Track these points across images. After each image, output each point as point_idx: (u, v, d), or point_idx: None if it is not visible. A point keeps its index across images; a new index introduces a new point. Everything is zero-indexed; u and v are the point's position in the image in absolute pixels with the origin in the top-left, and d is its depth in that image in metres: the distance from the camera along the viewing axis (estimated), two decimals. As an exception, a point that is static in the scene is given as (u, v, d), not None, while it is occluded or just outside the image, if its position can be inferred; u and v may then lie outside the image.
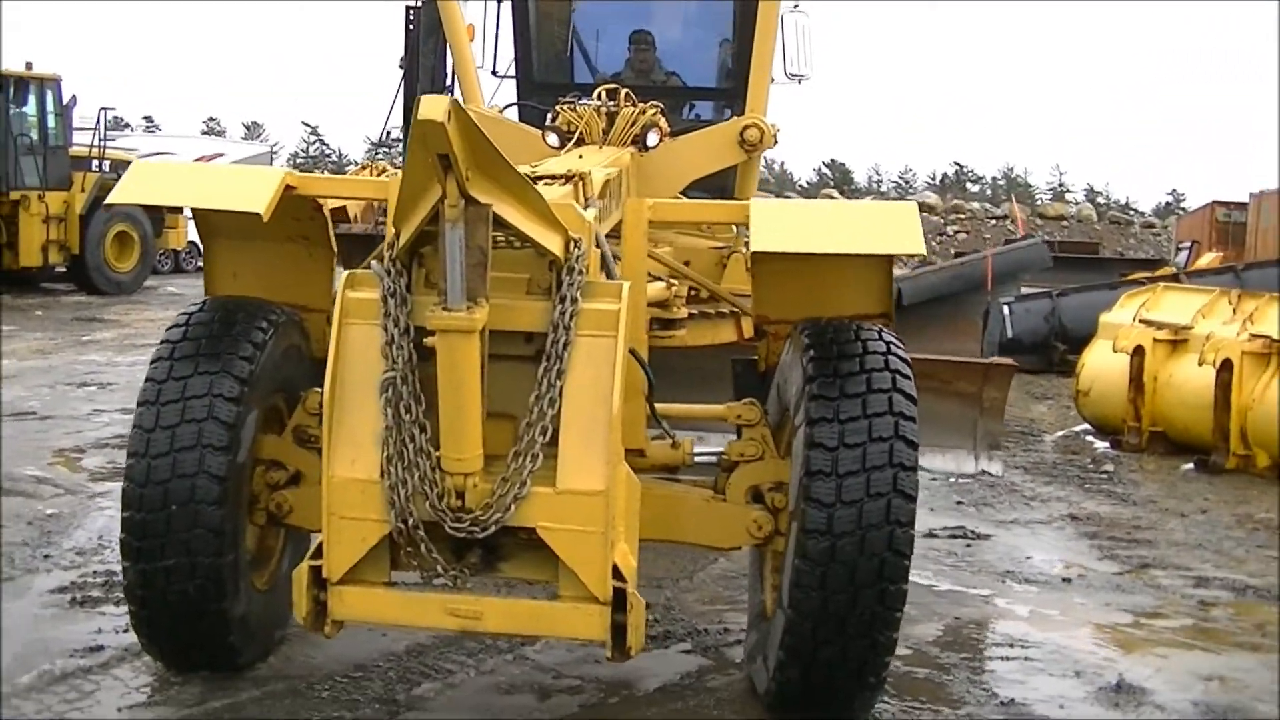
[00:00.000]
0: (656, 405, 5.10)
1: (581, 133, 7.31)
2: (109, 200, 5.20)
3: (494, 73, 8.90)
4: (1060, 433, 12.27)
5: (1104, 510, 8.98)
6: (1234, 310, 10.73)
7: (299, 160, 76.25)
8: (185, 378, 4.75)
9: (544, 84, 8.97)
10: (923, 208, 43.62)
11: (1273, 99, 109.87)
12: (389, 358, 4.12)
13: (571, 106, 7.49)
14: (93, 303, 20.92)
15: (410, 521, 4.10)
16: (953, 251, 31.47)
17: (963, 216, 46.44)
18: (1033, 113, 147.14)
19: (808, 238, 4.64)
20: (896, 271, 20.79)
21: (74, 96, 22.07)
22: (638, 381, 4.93)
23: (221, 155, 34.60)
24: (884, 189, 79.38)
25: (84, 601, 5.80)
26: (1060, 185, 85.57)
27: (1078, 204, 58.83)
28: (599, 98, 7.55)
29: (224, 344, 4.85)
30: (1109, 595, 6.83)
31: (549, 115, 7.58)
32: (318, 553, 4.23)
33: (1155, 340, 11.15)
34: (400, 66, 10.14)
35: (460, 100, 8.76)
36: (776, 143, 7.80)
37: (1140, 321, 11.57)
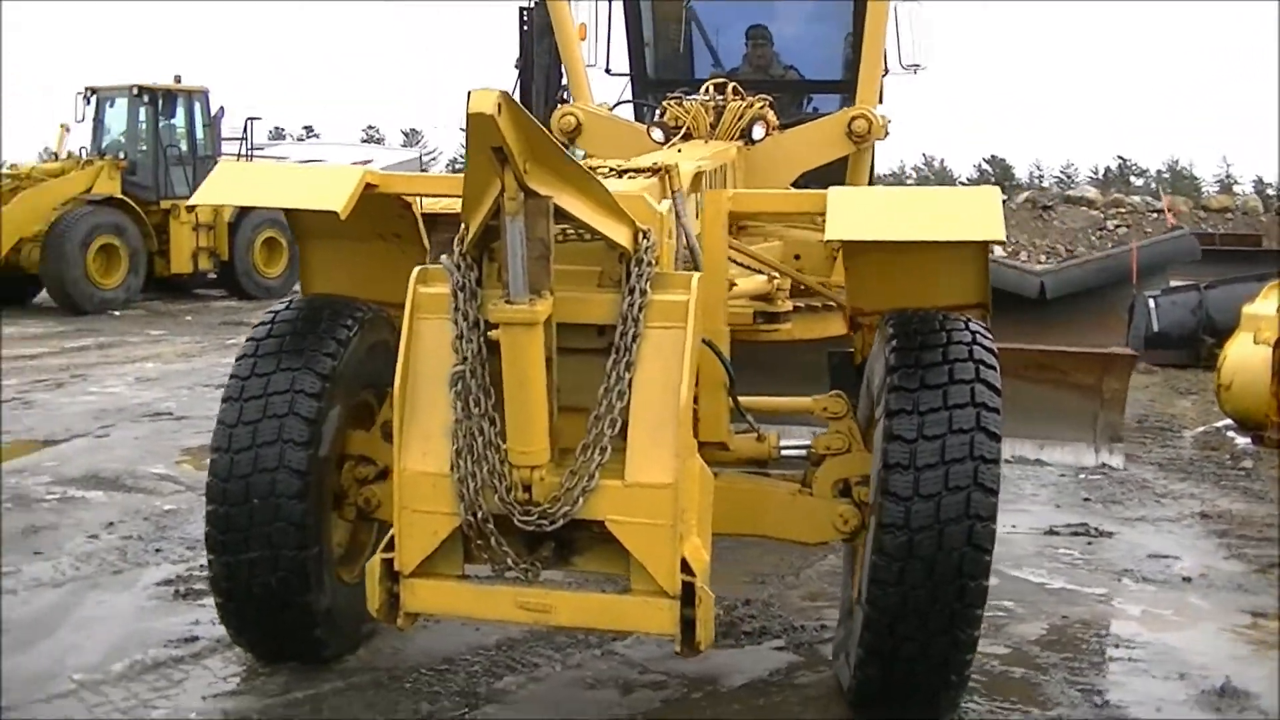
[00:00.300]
0: (743, 399, 5.04)
1: (689, 127, 7.32)
2: (191, 202, 5.30)
3: (607, 71, 8.93)
4: (1201, 428, 11.84)
5: (1237, 508, 8.62)
6: (1379, 298, 10.25)
7: (457, 165, 77.26)
8: (268, 374, 4.83)
9: (659, 81, 8.98)
10: (1081, 202, 42.57)
11: None
12: (459, 351, 4.12)
13: (679, 102, 7.48)
14: (242, 307, 21.47)
15: (480, 514, 4.10)
16: (1111, 246, 30.69)
17: (1123, 210, 45.21)
18: (1198, 105, 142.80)
19: (881, 225, 4.55)
20: (1041, 265, 20.46)
21: (222, 108, 22.71)
22: (719, 375, 4.88)
23: (370, 161, 35.26)
24: (1045, 184, 77.75)
25: (186, 594, 5.94)
26: (1227, 177, 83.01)
27: (1244, 196, 56.92)
28: (707, 92, 7.55)
29: (308, 341, 4.92)
30: (1230, 595, 6.56)
31: (657, 111, 7.58)
32: (390, 545, 4.26)
33: (1297, 331, 10.70)
34: (515, 67, 10.22)
35: (570, 99, 8.79)
36: (887, 134, 7.68)
37: (1283, 312, 11.10)
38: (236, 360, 4.94)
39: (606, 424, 4.07)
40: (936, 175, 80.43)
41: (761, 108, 7.41)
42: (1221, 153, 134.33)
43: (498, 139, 3.48)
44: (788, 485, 4.99)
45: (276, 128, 66.30)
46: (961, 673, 4.43)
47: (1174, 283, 16.46)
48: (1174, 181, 77.85)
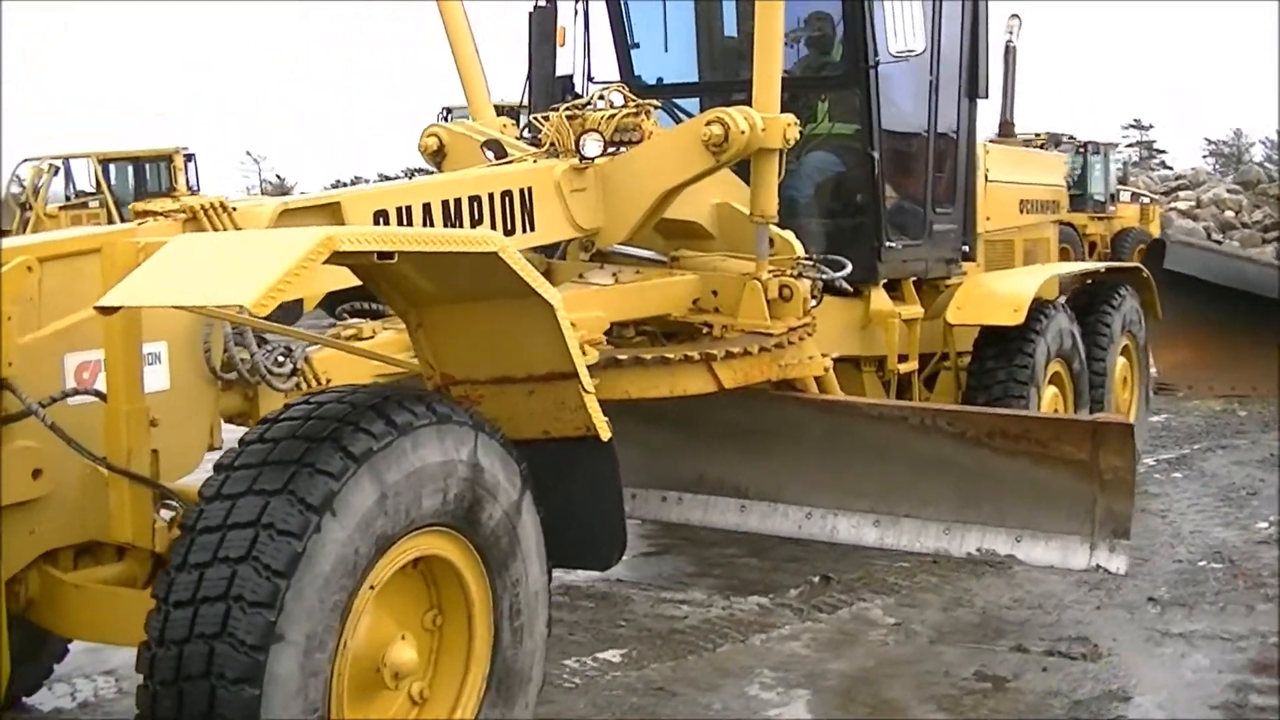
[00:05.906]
0: None
1: (552, 142, 6.34)
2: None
3: (590, 78, 7.96)
4: None
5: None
6: None
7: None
8: None
9: (657, 86, 7.97)
10: None
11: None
12: None
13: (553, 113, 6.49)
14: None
15: None
16: None
17: None
18: None
19: (155, 288, 3.36)
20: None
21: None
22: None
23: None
24: None
25: None
26: None
27: None
28: (603, 99, 6.52)
29: None
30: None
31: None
32: None
33: None
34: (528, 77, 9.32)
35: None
36: (789, 142, 6.13)
37: None
38: None
39: None
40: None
41: (628, 117, 6.20)
42: None
43: None
44: None
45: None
46: None
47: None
48: None
